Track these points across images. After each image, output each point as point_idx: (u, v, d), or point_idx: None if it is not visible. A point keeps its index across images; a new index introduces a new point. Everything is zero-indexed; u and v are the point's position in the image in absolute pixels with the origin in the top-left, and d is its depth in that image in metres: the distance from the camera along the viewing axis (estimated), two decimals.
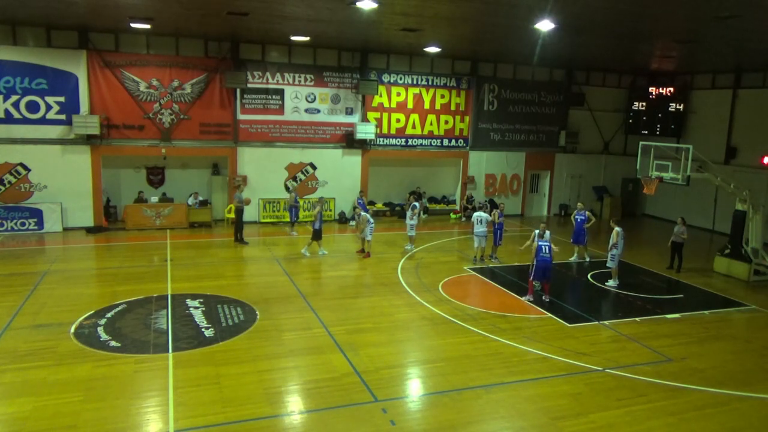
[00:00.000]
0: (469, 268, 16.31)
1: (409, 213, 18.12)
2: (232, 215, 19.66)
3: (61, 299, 12.65)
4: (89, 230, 19.41)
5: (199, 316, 11.82)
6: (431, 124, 23.62)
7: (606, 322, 12.47)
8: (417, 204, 18.63)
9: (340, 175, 22.60)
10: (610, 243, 15.30)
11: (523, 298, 13.59)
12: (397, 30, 16.20)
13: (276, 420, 8.10)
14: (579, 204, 18.04)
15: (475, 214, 17.06)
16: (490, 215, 17.10)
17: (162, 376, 9.15)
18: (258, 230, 20.83)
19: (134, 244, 18.15)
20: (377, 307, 12.93)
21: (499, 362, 10.18)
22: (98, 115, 19.05)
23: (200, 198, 21.14)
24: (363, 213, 17.53)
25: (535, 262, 13.40)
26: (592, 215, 17.79)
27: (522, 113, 24.95)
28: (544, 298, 13.52)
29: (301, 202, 21.25)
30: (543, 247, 13.35)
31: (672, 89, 24.50)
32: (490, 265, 16.70)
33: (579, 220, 17.45)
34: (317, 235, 17.06)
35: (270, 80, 21.10)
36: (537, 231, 14.30)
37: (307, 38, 18.74)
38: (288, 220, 20.95)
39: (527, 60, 22.53)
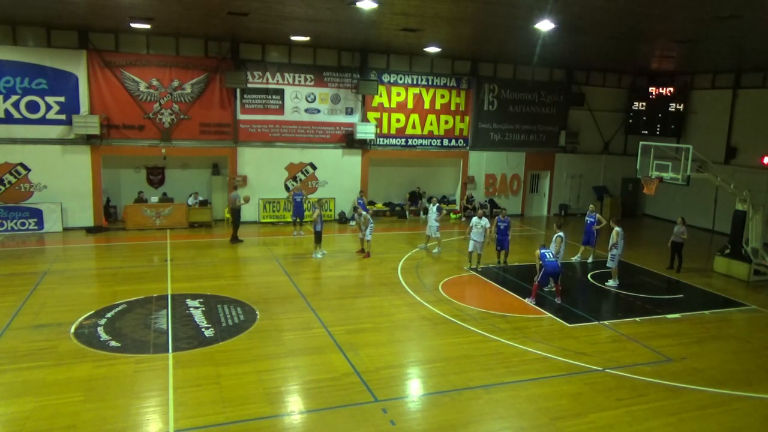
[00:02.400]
0: (470, 268, 16.29)
1: (436, 215, 17.89)
2: None
3: (61, 299, 12.65)
4: (89, 230, 19.41)
5: (199, 316, 11.82)
6: (431, 124, 23.62)
7: (606, 322, 12.46)
8: (440, 205, 18.53)
9: (340, 175, 22.60)
10: (610, 243, 15.31)
11: (525, 300, 13.58)
12: (397, 30, 16.20)
13: (276, 420, 8.10)
14: (591, 206, 18.05)
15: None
16: (481, 219, 16.05)
17: (162, 376, 9.15)
18: (258, 230, 20.83)
19: (134, 244, 18.15)
20: (377, 307, 12.93)
21: (499, 362, 10.18)
22: (98, 115, 19.05)
23: (200, 198, 21.14)
24: (364, 213, 17.53)
25: (543, 268, 13.43)
26: (602, 218, 17.86)
27: (522, 113, 24.95)
28: (556, 300, 13.52)
29: (306, 204, 20.72)
30: (546, 254, 13.40)
31: (672, 89, 24.50)
32: (491, 266, 16.63)
33: (589, 222, 17.46)
34: (318, 238, 17.07)
35: (270, 80, 21.10)
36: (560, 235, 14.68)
37: (307, 38, 18.74)
38: (293, 219, 20.76)
39: (527, 60, 22.53)
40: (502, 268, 16.53)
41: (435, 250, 18.10)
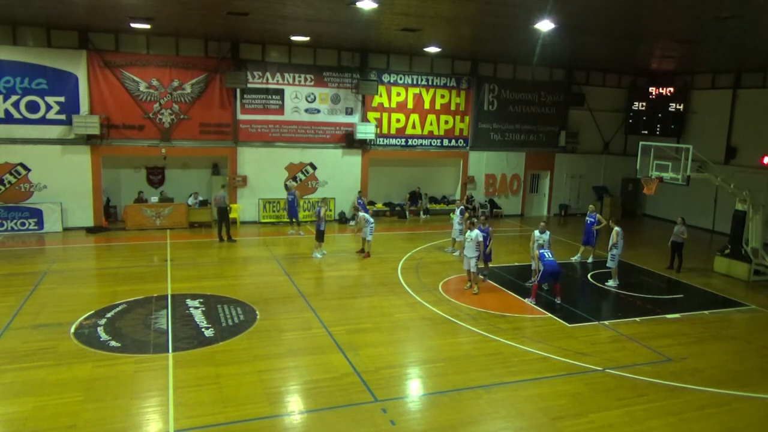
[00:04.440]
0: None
1: (459, 218, 17.73)
2: (236, 215, 19.61)
3: (61, 299, 12.65)
4: (89, 230, 19.41)
5: (199, 316, 11.82)
6: (431, 124, 23.62)
7: (606, 322, 12.46)
8: (464, 207, 18.53)
9: (340, 175, 22.60)
10: (610, 243, 15.31)
11: (525, 300, 13.58)
12: (397, 30, 16.20)
13: (276, 420, 8.10)
14: (590, 206, 18.04)
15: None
16: (473, 231, 14.03)
17: (162, 376, 9.15)
18: (258, 230, 20.82)
19: (134, 244, 18.14)
20: (377, 307, 12.93)
21: (499, 362, 10.17)
22: (98, 115, 19.05)
23: (200, 198, 21.14)
24: (362, 213, 17.51)
25: (542, 268, 13.43)
26: (602, 218, 17.87)
27: (522, 113, 24.95)
28: (556, 300, 13.50)
29: (301, 203, 21.15)
30: (545, 253, 13.44)
31: (672, 89, 24.50)
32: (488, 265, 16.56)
33: (589, 222, 17.46)
34: (321, 237, 17.07)
35: (270, 80, 21.09)
36: (536, 231, 14.49)
37: (307, 38, 18.74)
38: (288, 219, 20.82)
39: (527, 60, 22.52)
40: (497, 266, 16.28)
41: (448, 249, 18.16)
